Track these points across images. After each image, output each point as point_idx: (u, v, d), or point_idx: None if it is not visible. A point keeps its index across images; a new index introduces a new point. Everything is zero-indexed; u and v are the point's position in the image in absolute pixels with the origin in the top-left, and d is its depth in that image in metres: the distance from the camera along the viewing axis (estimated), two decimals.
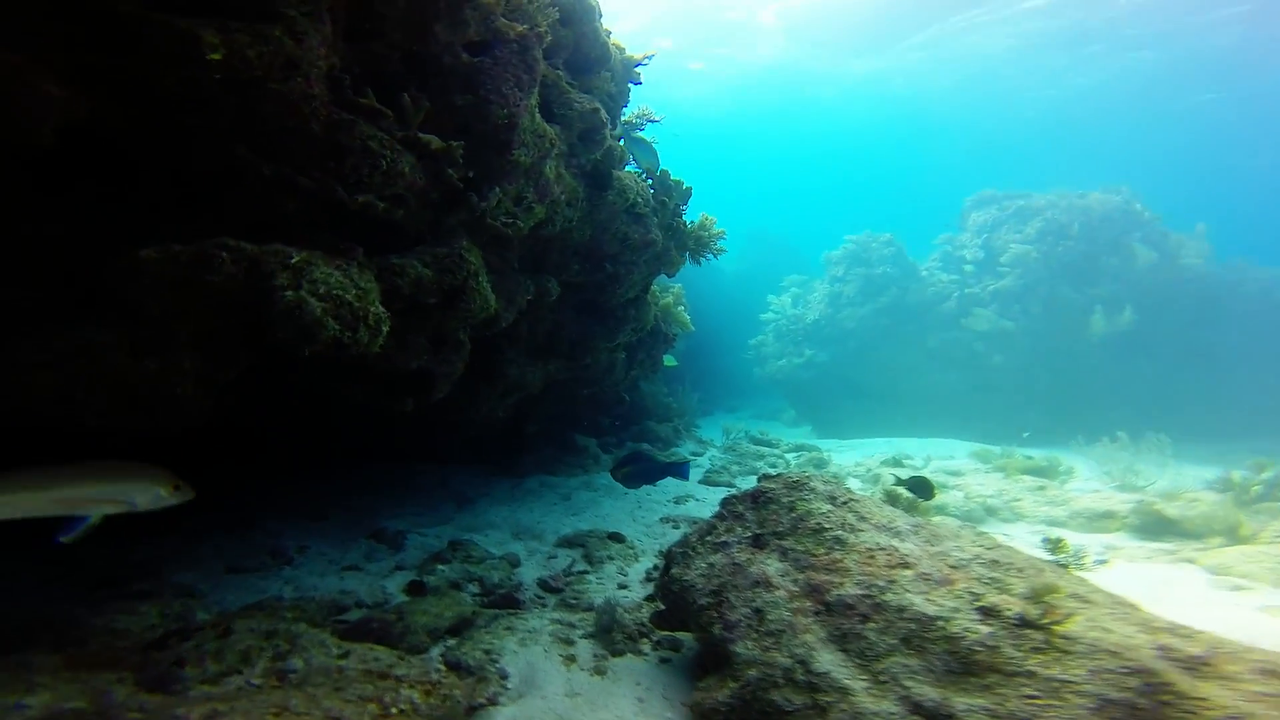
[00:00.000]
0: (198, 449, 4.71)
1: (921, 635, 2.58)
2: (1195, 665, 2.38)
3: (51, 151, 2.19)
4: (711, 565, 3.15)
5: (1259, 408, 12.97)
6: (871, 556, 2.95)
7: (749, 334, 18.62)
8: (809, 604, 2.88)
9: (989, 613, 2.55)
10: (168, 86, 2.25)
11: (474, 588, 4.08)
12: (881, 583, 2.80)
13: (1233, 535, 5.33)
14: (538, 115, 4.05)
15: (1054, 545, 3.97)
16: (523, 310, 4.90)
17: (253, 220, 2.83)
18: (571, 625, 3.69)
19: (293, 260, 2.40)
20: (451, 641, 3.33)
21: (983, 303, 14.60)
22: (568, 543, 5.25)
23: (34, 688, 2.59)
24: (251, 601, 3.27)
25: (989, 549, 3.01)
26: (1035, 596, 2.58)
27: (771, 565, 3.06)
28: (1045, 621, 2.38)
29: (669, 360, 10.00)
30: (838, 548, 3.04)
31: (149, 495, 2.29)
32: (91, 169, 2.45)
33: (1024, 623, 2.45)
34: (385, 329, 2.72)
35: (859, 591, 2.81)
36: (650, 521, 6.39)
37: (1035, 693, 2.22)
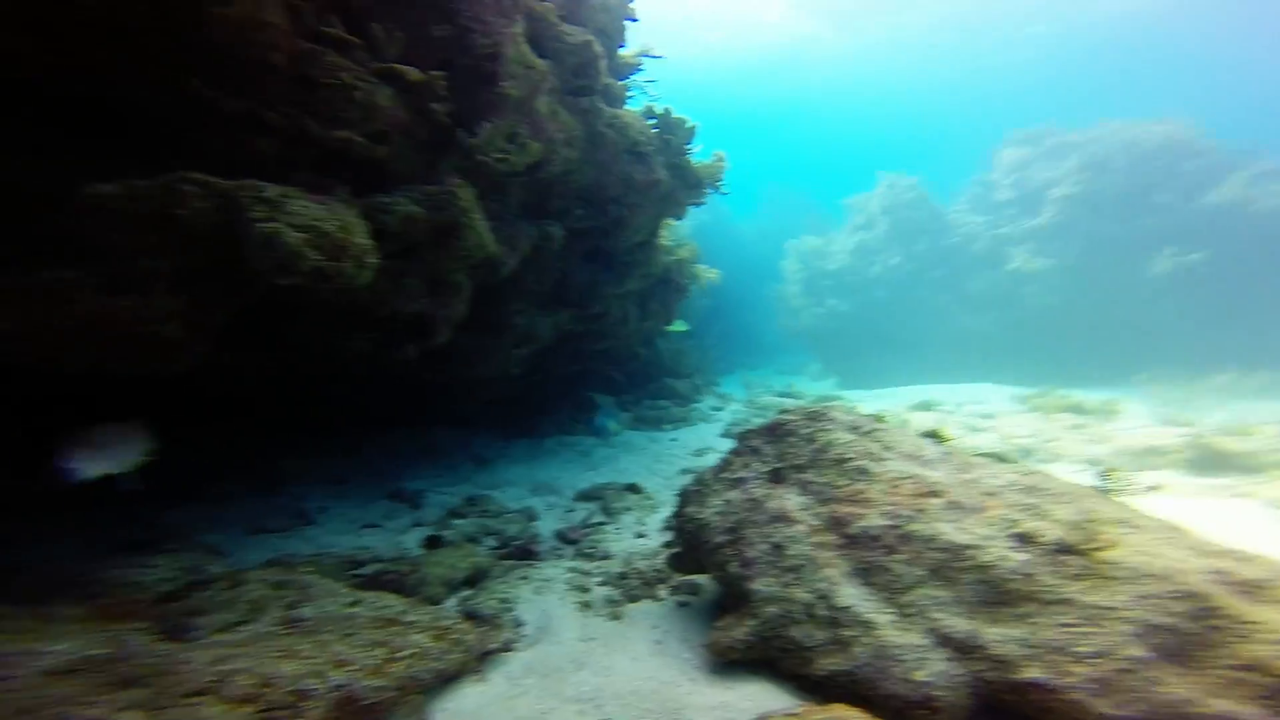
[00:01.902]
0: (219, 407, 4.74)
1: (951, 565, 2.39)
2: (1252, 589, 2.15)
3: None
4: (728, 502, 3.00)
5: None
6: (897, 486, 2.75)
7: (771, 292, 18.13)
8: (831, 537, 2.71)
9: (1025, 540, 2.35)
10: (89, 8, 2.07)
11: (491, 541, 4.05)
12: (909, 512, 2.61)
13: None
14: (525, 46, 3.76)
15: (1107, 473, 3.70)
16: (527, 258, 4.71)
17: (225, 161, 2.67)
18: (588, 574, 3.62)
19: (267, 194, 2.25)
20: (467, 592, 3.30)
21: (1016, 242, 13.80)
22: (585, 496, 5.19)
23: (60, 636, 2.65)
24: (270, 558, 3.31)
25: (1025, 475, 2.78)
26: (1076, 522, 2.36)
27: (791, 499, 2.90)
28: (1087, 547, 2.17)
29: (679, 325, 9.72)
30: (861, 478, 2.84)
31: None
32: (42, 111, 2.31)
33: (1063, 549, 2.24)
34: (372, 261, 2.57)
35: (885, 522, 2.62)
36: (669, 474, 6.30)
37: (1073, 620, 2.03)
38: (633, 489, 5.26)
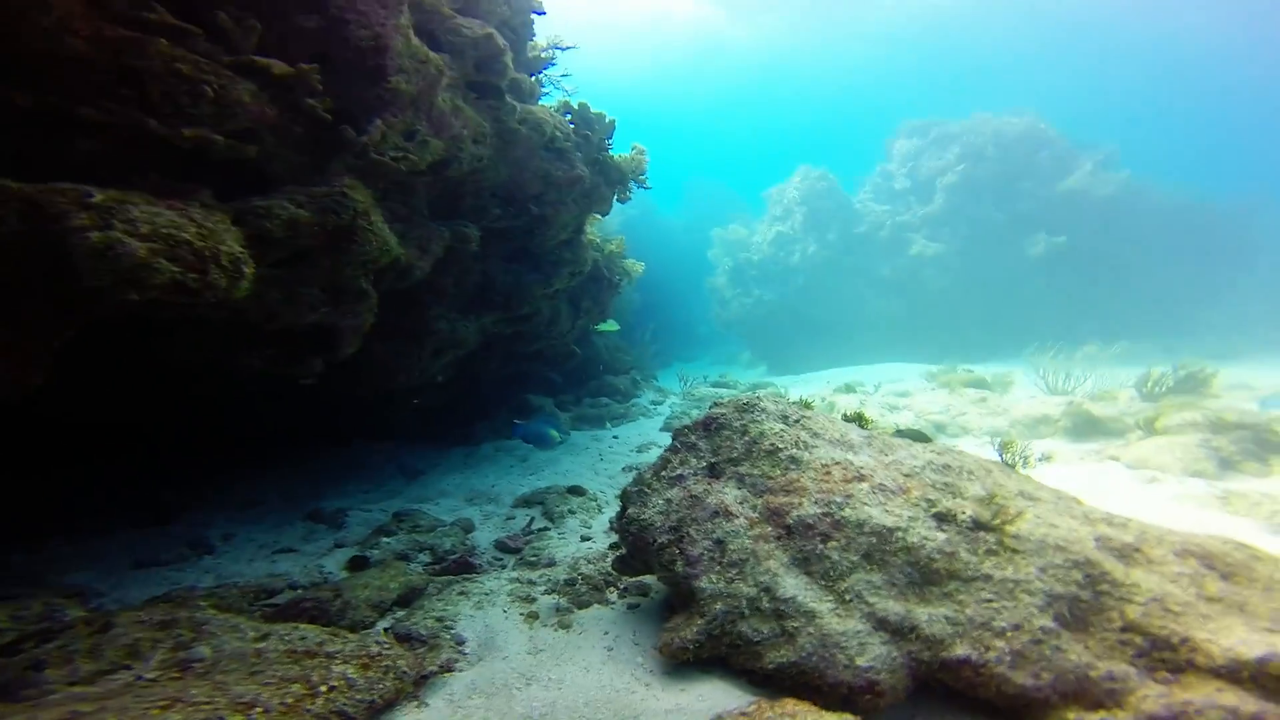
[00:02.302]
0: (95, 441, 4.15)
1: (881, 549, 2.54)
2: (1127, 552, 2.44)
3: None
4: (669, 501, 3.01)
5: (1166, 307, 13.99)
6: (828, 473, 2.87)
7: (702, 284, 18.50)
8: (770, 529, 2.79)
9: (944, 519, 2.53)
10: None
11: (425, 557, 3.83)
12: (839, 498, 2.73)
13: (1149, 428, 5.69)
14: (415, 39, 3.53)
15: (1005, 447, 4.08)
16: (442, 260, 4.47)
17: (55, 165, 2.30)
18: (532, 583, 3.52)
19: (94, 199, 1.94)
20: (400, 613, 3.10)
21: (913, 228, 14.92)
22: (525, 502, 5.05)
23: None
24: (159, 594, 2.90)
25: (939, 454, 2.99)
26: (987, 499, 2.57)
27: (729, 493, 2.95)
28: (997, 523, 2.37)
29: (610, 325, 9.70)
30: (794, 467, 2.94)
31: None
32: None
33: (977, 525, 2.43)
34: (249, 270, 2.30)
35: (818, 510, 2.73)
36: (613, 472, 6.26)
37: (991, 595, 2.22)
38: (576, 491, 5.18)
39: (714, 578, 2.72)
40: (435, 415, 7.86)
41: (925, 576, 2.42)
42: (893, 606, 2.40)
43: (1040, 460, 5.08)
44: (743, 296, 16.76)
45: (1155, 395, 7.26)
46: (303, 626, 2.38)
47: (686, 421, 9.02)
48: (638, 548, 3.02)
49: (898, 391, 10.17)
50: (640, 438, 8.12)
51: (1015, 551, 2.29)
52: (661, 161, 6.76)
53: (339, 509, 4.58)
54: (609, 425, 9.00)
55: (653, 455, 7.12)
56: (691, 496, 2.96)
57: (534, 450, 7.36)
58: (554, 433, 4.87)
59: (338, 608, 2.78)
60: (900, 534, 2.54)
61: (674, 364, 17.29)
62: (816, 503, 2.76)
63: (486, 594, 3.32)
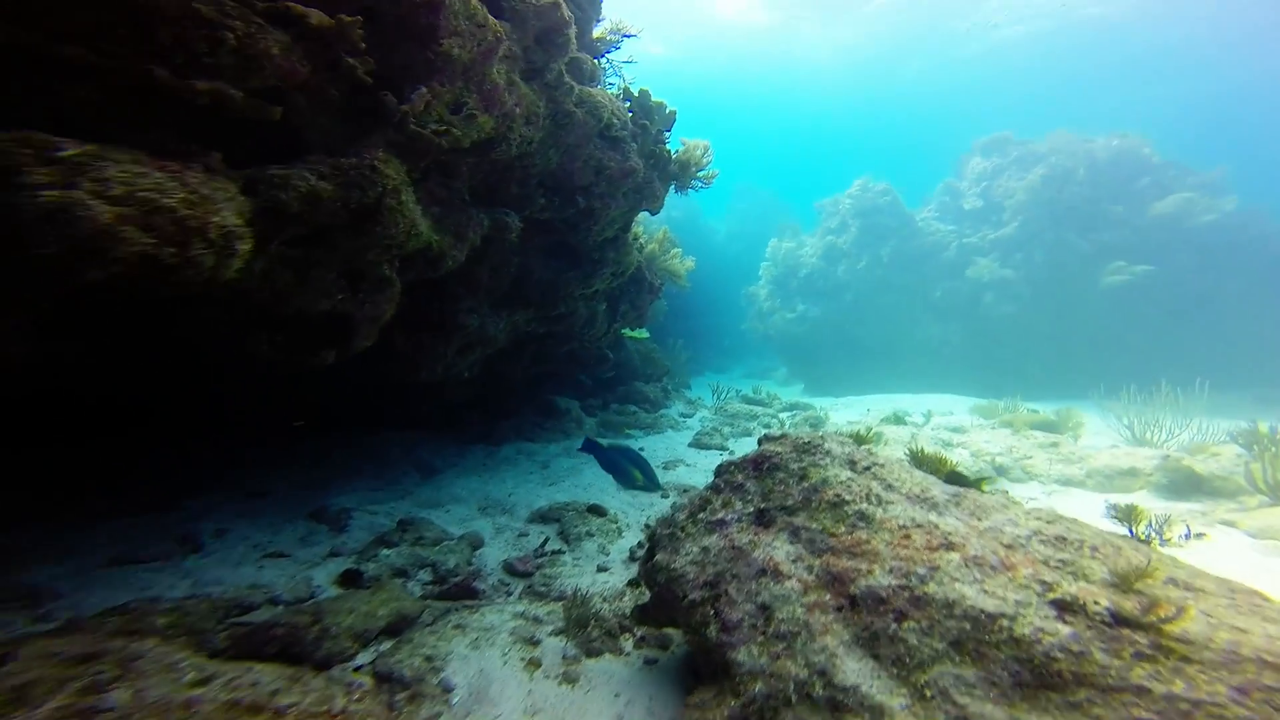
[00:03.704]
0: (108, 419, 3.97)
1: (979, 638, 1.99)
2: None
3: None
4: (705, 550, 2.54)
5: (1262, 356, 12.62)
6: (907, 536, 2.34)
7: (739, 293, 17.91)
8: (829, 597, 2.28)
9: (1067, 607, 1.97)
10: None
11: (424, 575, 3.46)
12: (921, 570, 2.20)
13: (1277, 493, 4.85)
14: (475, 0, 3.18)
15: (1125, 515, 3.36)
16: (477, 249, 4.12)
17: (51, 117, 2.01)
18: (538, 620, 3.10)
19: (63, 153, 1.62)
20: (386, 644, 2.72)
21: (982, 252, 13.95)
22: (541, 517, 4.65)
23: None
24: (119, 604, 2.59)
25: (1049, 523, 2.42)
26: (1124, 584, 2.00)
27: (780, 549, 2.45)
28: (1150, 619, 1.80)
29: (640, 333, 9.27)
30: (862, 525, 2.43)
31: None
32: None
33: (1118, 619, 1.87)
34: (244, 247, 1.96)
35: (893, 581, 2.21)
36: (637, 490, 5.82)
37: (1151, 715, 1.65)
38: (596, 510, 4.75)
39: (755, 650, 2.23)
40: (459, 409, 7.59)
41: (1041, 679, 1.87)
42: (993, 712, 1.86)
43: (1191, 538, 3.94)
44: (785, 310, 16.06)
45: (1265, 453, 6.32)
46: (258, 668, 2.00)
47: (717, 439, 8.45)
48: (664, 600, 2.56)
49: (951, 426, 9.37)
50: (667, 452, 7.65)
51: (1186, 660, 1.73)
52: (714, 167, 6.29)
53: (344, 509, 4.27)
54: (636, 434, 8.56)
55: (680, 473, 6.64)
56: (734, 548, 2.48)
57: (557, 455, 6.99)
58: (637, 474, 4.11)
59: (314, 636, 2.40)
60: (1005, 622, 1.99)
61: (706, 373, 16.73)
62: (891, 572, 2.23)
63: (486, 630, 2.91)
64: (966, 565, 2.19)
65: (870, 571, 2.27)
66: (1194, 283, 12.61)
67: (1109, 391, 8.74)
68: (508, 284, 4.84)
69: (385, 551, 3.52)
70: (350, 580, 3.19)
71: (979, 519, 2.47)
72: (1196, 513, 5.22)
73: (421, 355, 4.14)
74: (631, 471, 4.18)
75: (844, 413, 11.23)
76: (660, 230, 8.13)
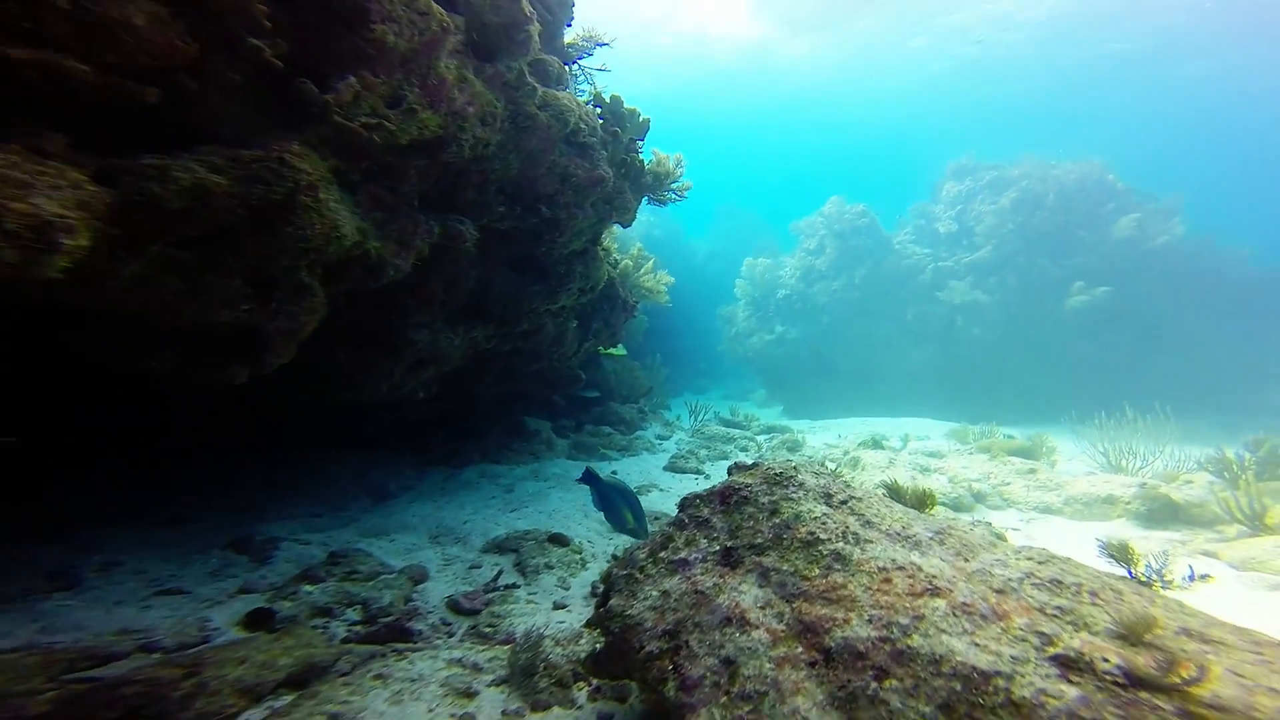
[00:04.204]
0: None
1: (971, 700, 1.73)
2: None
3: None
4: (666, 594, 2.25)
5: (1223, 382, 12.92)
6: (887, 580, 2.09)
7: (718, 314, 17.84)
8: (800, 650, 2.00)
9: (1071, 664, 1.73)
10: None
11: (352, 614, 3.07)
12: (904, 619, 1.94)
13: (1254, 523, 4.76)
14: None
15: (1120, 553, 3.14)
16: (428, 259, 3.84)
17: None
18: (477, 668, 2.74)
19: None
20: (285, 699, 2.32)
21: (957, 275, 14.13)
22: (498, 547, 4.29)
23: None
24: None
25: (1041, 563, 2.19)
26: (1133, 635, 1.77)
27: (748, 593, 2.17)
28: (1171, 680, 1.56)
29: (619, 351, 9.05)
30: (839, 567, 2.17)
31: None
32: None
33: (1133, 680, 1.63)
34: (73, 243, 1.65)
35: (872, 633, 1.94)
36: (624, 534, 5.48)
37: None
38: (558, 540, 4.41)
39: (717, 714, 1.93)
40: (422, 429, 7.18)
41: None
42: None
43: (1195, 580, 3.45)
44: (764, 331, 16.01)
45: (1235, 480, 6.30)
46: None
47: (693, 463, 8.16)
48: (618, 651, 2.25)
49: (927, 451, 9.26)
50: (641, 475, 7.34)
51: None
52: (692, 179, 6.15)
53: (271, 538, 3.85)
54: (611, 456, 8.24)
55: (653, 499, 6.33)
56: (697, 592, 2.19)
57: (522, 480, 6.62)
58: (629, 517, 3.73)
59: (184, 693, 2.01)
60: (1000, 681, 1.74)
61: (683, 394, 16.51)
62: (871, 622, 1.97)
63: (413, 680, 2.54)
64: (954, 614, 1.94)
65: (847, 621, 2.00)
66: (1155, 308, 12.93)
67: (1081, 417, 8.74)
68: (465, 298, 4.55)
69: (308, 588, 3.12)
70: (258, 621, 2.79)
71: (966, 559, 2.23)
72: (1176, 542, 5.11)
73: (365, 373, 3.80)
74: (624, 514, 3.81)
75: (822, 435, 11.08)
76: (635, 247, 7.95)
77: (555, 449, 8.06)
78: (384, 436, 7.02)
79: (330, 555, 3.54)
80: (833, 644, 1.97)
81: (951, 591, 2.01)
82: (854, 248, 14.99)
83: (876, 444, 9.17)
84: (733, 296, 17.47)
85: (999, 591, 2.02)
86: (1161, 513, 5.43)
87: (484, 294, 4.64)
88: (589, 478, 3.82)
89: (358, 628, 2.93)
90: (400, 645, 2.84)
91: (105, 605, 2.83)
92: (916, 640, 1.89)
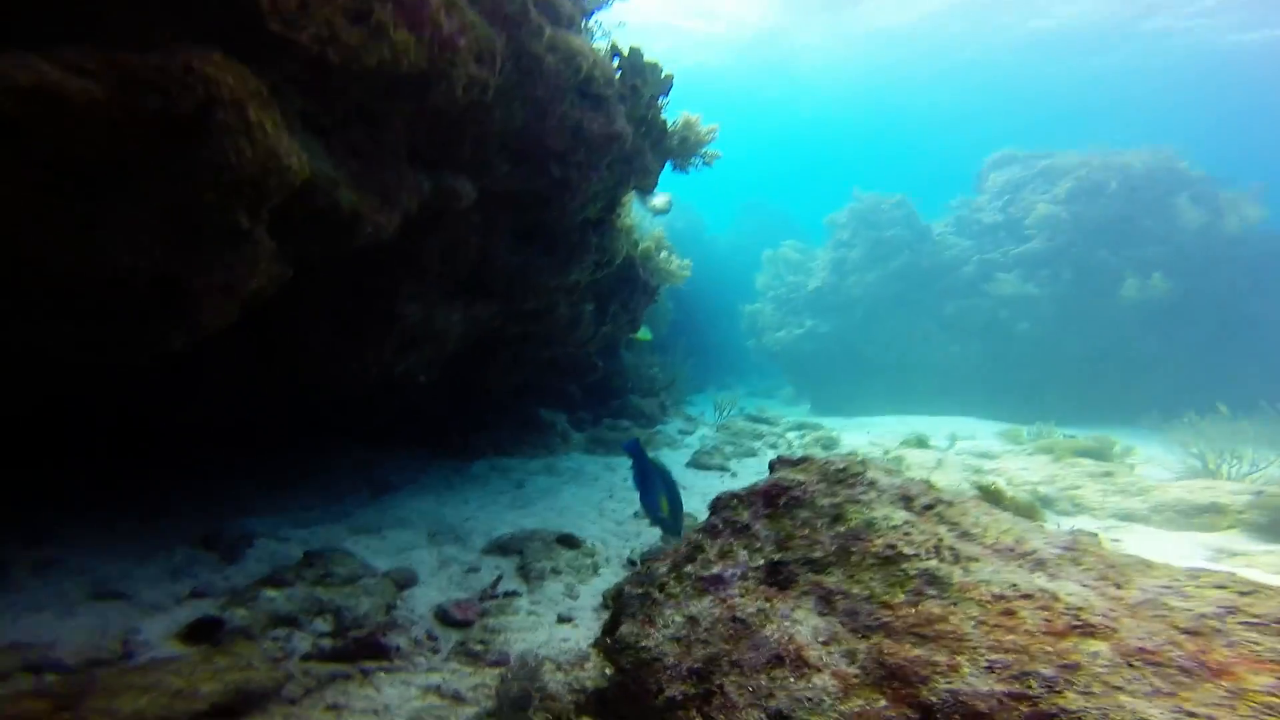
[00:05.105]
0: None
1: None
2: None
3: None
4: (693, 620, 1.68)
5: None
6: (1008, 612, 1.48)
7: (743, 308, 17.16)
8: (885, 705, 1.42)
9: None
10: None
11: (321, 625, 2.59)
12: (1047, 670, 1.34)
13: None
14: None
15: None
16: (420, 223, 3.36)
17: None
18: (458, 698, 2.22)
19: None
20: None
21: (1005, 268, 13.15)
22: (501, 548, 3.79)
23: None
24: None
25: (1242, 594, 1.55)
26: None
27: (805, 623, 1.60)
28: None
29: (644, 334, 8.51)
30: (933, 592, 1.57)
31: None
32: None
33: None
34: None
35: (997, 686, 1.35)
36: (622, 517, 4.95)
37: None
38: (568, 541, 3.88)
39: None
40: (434, 422, 6.78)
41: None
42: None
43: None
44: (792, 325, 15.25)
45: None
46: None
47: (718, 459, 7.53)
48: (630, 694, 1.70)
49: (978, 451, 8.47)
50: None
51: None
52: (717, 170, 5.58)
53: (248, 533, 3.40)
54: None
55: None
56: (734, 619, 1.62)
57: (536, 474, 6.13)
58: (665, 506, 3.20)
59: None
60: None
61: (707, 389, 15.89)
62: (991, 670, 1.37)
63: (375, 713, 2.02)
64: (1129, 663, 1.33)
65: (954, 668, 1.41)
66: (1234, 299, 11.74)
67: (1165, 416, 7.80)
68: (465, 269, 4.06)
69: (271, 593, 2.65)
70: (200, 634, 2.32)
71: (1115, 584, 1.61)
72: None
73: (343, 351, 3.34)
74: (660, 500, 3.21)
75: (856, 434, 10.32)
76: (657, 229, 7.39)
77: (571, 443, 7.56)
78: (395, 429, 6.62)
79: (306, 555, 3.06)
80: (935, 699, 1.37)
81: (1114, 630, 1.39)
82: (890, 239, 14.13)
83: (921, 443, 8.41)
84: (758, 291, 16.78)
85: (1189, 632, 1.40)
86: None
87: (486, 266, 4.15)
88: (635, 449, 3.26)
89: (326, 641, 2.44)
90: (370, 664, 2.34)
91: (27, 610, 2.39)
92: (1072, 698, 1.28)
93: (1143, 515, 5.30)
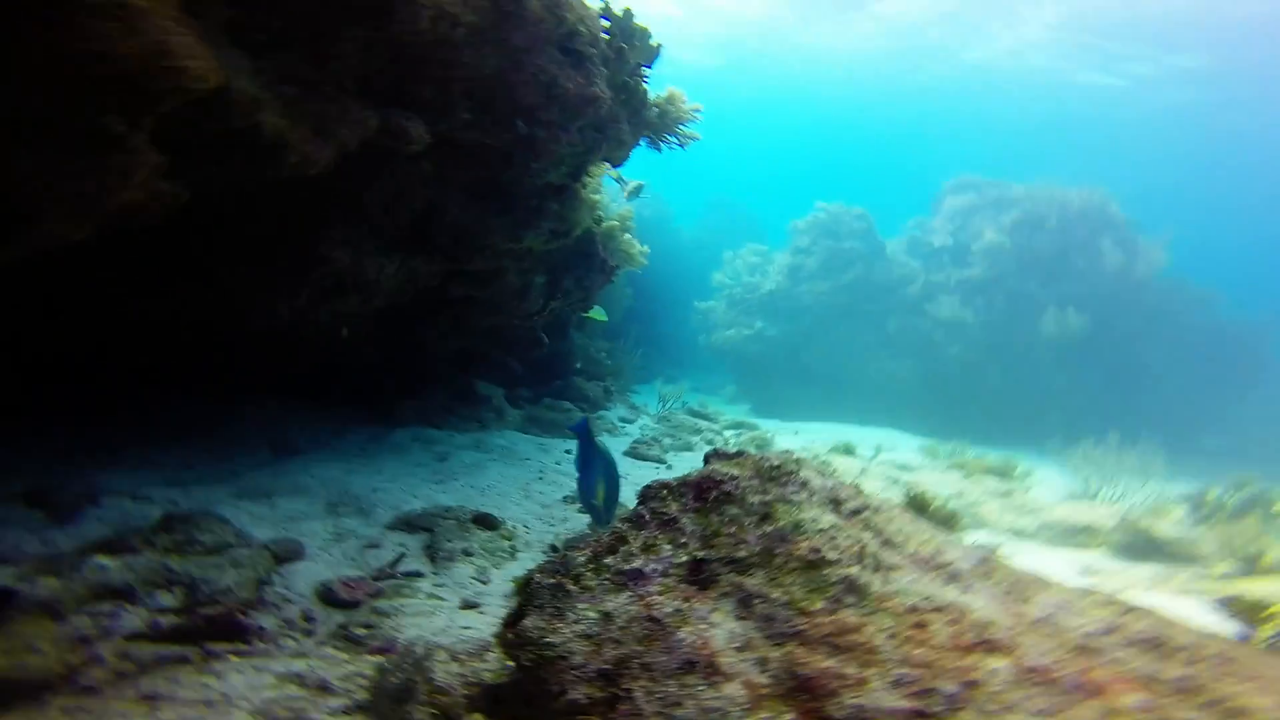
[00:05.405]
0: None
1: None
2: None
3: None
4: (607, 617, 1.57)
5: (1182, 425, 13.03)
6: (921, 625, 1.47)
7: (698, 304, 17.27)
8: (791, 719, 1.37)
9: None
10: None
11: (166, 599, 2.28)
12: (950, 687, 1.32)
13: (1250, 563, 4.45)
14: None
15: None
16: (358, 162, 3.03)
17: None
18: (323, 687, 2.01)
19: None
20: None
21: (947, 290, 13.88)
22: (408, 524, 3.55)
23: None
24: None
25: (1121, 612, 1.61)
26: None
27: (720, 626, 1.53)
28: None
29: (599, 314, 8.31)
30: (852, 600, 1.54)
31: None
32: None
33: None
34: None
35: (902, 701, 1.32)
36: (549, 500, 4.79)
37: None
38: (484, 521, 3.69)
39: None
40: (360, 382, 6.33)
41: None
42: None
43: None
44: (742, 326, 15.48)
45: (1210, 517, 6.11)
46: None
47: (656, 450, 7.48)
48: (528, 694, 1.57)
49: (898, 463, 8.90)
50: None
51: None
52: (688, 172, 5.47)
53: (94, 490, 2.96)
54: (568, 434, 7.53)
55: None
56: (650, 619, 1.52)
57: (461, 449, 5.84)
58: (600, 491, 2.94)
59: None
60: None
61: (653, 380, 15.91)
62: (899, 685, 1.34)
63: (207, 704, 1.76)
64: (1022, 681, 1.33)
65: (862, 681, 1.37)
66: (1129, 343, 12.95)
67: (1067, 442, 8.47)
68: (409, 220, 3.74)
69: (104, 560, 2.28)
70: None
71: (1018, 599, 1.63)
72: (1158, 578, 4.79)
73: (252, 293, 2.98)
74: (597, 487, 3.02)
75: (790, 438, 10.62)
76: (624, 208, 7.20)
77: (506, 419, 7.29)
78: (318, 388, 6.13)
79: (164, 518, 2.69)
80: (840, 715, 1.33)
81: (1015, 646, 1.40)
82: (847, 250, 14.58)
83: (848, 450, 8.75)
84: (714, 289, 16.92)
85: (1077, 650, 1.43)
86: (1143, 546, 5.12)
87: (434, 218, 3.84)
88: (583, 429, 3.07)
89: (168, 617, 2.15)
90: (219, 646, 2.08)
91: None
92: (970, 718, 1.27)
93: (1031, 532, 5.72)
